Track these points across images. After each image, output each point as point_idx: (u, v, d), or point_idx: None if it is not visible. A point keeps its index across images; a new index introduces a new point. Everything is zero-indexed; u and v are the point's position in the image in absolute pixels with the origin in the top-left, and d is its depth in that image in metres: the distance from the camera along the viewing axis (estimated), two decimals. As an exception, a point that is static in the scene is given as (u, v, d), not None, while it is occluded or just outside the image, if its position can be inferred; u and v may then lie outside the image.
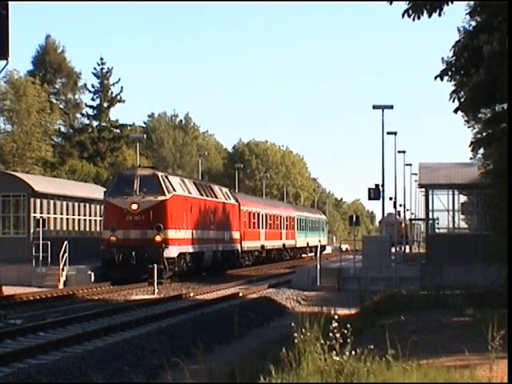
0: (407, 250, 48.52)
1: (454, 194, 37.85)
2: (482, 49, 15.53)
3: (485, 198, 34.60)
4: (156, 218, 35.45)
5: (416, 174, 52.07)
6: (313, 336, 9.60)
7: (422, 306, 20.99)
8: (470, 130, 51.75)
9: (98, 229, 44.99)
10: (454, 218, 37.88)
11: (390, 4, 15.81)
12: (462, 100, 18.22)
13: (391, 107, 41.48)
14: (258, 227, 55.23)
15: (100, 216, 43.93)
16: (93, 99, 79.60)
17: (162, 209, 35.86)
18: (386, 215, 60.17)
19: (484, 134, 30.13)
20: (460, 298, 22.69)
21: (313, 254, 63.43)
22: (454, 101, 17.80)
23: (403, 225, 61.77)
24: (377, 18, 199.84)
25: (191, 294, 29.72)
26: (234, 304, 24.53)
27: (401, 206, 62.91)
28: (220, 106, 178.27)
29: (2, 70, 27.81)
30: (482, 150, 34.33)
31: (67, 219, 43.04)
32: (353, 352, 9.35)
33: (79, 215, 44.40)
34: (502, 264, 20.83)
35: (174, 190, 37.11)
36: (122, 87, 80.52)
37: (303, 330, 9.67)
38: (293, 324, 9.94)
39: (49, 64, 76.51)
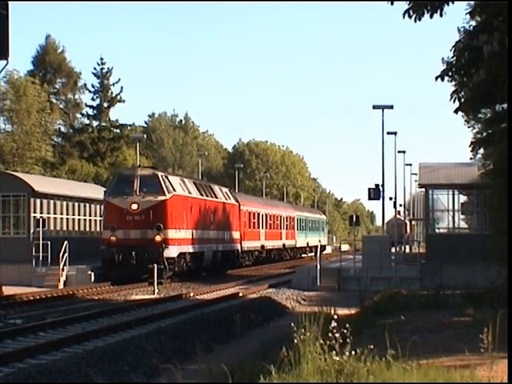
0: (407, 250, 48.50)
1: (454, 194, 37.88)
2: (482, 49, 15.51)
3: (485, 198, 34.61)
4: (156, 218, 35.44)
5: (416, 174, 52.12)
6: (313, 336, 9.60)
7: (422, 306, 20.98)
8: (470, 130, 51.81)
9: (98, 229, 44.98)
10: (454, 217, 37.91)
11: (392, 4, 15.79)
12: (463, 100, 18.21)
13: (391, 107, 41.47)
14: (258, 227, 55.22)
15: (100, 216, 43.92)
16: (93, 99, 79.70)
17: (162, 209, 35.85)
18: (391, 217, 60.16)
19: (484, 134, 30.12)
20: (460, 298, 22.69)
21: (313, 254, 63.43)
22: (454, 101, 17.79)
23: (408, 225, 61.86)
24: (377, 18, 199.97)
25: (191, 294, 29.72)
26: (234, 304, 24.54)
27: (401, 205, 62.97)
28: (220, 105, 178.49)
29: (2, 69, 27.91)
30: (482, 150, 34.34)
31: (67, 219, 43.03)
32: (353, 352, 9.35)
33: (79, 215, 44.39)
34: (502, 264, 20.82)
35: (174, 190, 37.10)
36: (121, 87, 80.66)
37: (303, 329, 9.66)
38: (292, 324, 9.94)
39: (49, 64, 76.48)
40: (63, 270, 36.03)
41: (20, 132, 62.05)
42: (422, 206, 59.44)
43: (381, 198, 42.07)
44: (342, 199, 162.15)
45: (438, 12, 15.99)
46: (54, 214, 41.43)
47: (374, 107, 40.96)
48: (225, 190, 49.24)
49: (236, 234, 48.30)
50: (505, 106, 19.56)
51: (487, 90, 17.70)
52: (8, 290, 30.45)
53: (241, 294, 29.34)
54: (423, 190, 39.94)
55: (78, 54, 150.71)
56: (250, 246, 52.18)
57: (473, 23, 21.40)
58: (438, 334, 15.15)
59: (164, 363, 11.59)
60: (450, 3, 16.06)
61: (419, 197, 63.02)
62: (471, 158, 51.35)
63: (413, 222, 66.32)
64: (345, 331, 9.52)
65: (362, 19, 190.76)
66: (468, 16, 19.72)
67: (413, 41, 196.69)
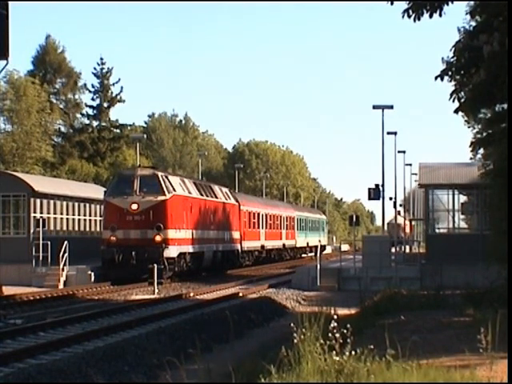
0: (407, 250, 48.51)
1: (454, 194, 37.88)
2: (482, 49, 15.53)
3: (485, 198, 34.61)
4: (156, 218, 35.43)
5: (416, 174, 52.12)
6: (313, 336, 9.60)
7: (422, 306, 20.96)
8: (470, 130, 51.84)
9: (98, 229, 44.98)
10: (454, 217, 37.91)
11: (391, 4, 15.80)
12: (463, 100, 18.22)
13: (391, 107, 41.47)
14: (258, 227, 55.21)
15: (100, 216, 43.92)
16: (93, 99, 79.71)
17: (162, 209, 35.84)
18: (392, 218, 60.11)
19: (484, 134, 30.13)
20: (460, 298, 22.67)
21: (313, 254, 63.42)
22: (454, 101, 17.81)
23: (408, 226, 61.87)
24: (377, 18, 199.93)
25: (191, 294, 29.71)
26: (234, 304, 24.54)
27: (401, 205, 62.98)
28: (220, 106, 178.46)
29: (2, 69, 27.90)
30: (482, 150, 34.36)
31: (67, 219, 43.03)
32: (353, 352, 9.35)
33: (79, 215, 44.38)
34: (502, 264, 20.82)
35: (174, 190, 37.10)
36: (121, 87, 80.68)
37: (303, 329, 9.66)
38: (292, 324, 9.93)
39: (49, 64, 76.48)
40: (63, 270, 36.02)
41: (20, 132, 62.04)
42: (421, 205, 59.45)
43: (381, 198, 42.09)
44: (342, 199, 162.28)
45: (438, 12, 16.00)
46: (54, 214, 41.42)
47: (374, 107, 40.96)
48: (225, 190, 49.24)
49: (236, 234, 48.29)
50: (505, 106, 19.57)
51: (487, 90, 17.71)
52: (8, 290, 30.45)
53: (241, 294, 29.33)
54: (423, 189, 39.96)
55: (78, 54, 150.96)
56: (250, 246, 52.17)
57: (473, 23, 21.44)
58: (438, 334, 15.15)
59: (164, 363, 11.60)
60: (450, 3, 16.08)
61: (418, 194, 63.02)
62: (471, 158, 51.39)
63: (413, 222, 66.31)
64: (345, 331, 9.52)
65: (361, 19, 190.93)
66: (468, 16, 19.78)
67: (413, 41, 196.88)
